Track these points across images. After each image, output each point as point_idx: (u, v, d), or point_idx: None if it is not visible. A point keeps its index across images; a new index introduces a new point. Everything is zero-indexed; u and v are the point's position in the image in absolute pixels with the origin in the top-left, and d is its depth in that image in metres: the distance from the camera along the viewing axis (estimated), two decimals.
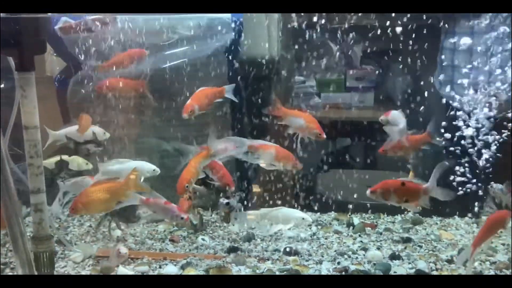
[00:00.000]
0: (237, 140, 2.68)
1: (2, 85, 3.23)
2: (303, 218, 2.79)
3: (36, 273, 2.34)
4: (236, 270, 2.65)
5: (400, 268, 2.66)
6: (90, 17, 3.17)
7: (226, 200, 2.72)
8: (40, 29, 2.21)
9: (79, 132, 3.00)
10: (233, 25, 3.53)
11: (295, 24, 3.40)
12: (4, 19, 2.16)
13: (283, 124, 2.80)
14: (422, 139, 2.83)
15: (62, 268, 2.71)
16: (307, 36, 3.32)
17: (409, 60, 3.40)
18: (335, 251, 2.87)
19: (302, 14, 3.26)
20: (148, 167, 2.86)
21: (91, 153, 3.10)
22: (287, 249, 2.84)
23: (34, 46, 2.22)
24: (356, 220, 3.29)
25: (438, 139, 2.83)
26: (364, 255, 2.83)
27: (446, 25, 3.19)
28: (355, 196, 3.37)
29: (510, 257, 2.75)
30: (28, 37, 2.19)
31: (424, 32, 3.06)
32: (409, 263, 2.73)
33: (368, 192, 2.47)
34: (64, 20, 3.30)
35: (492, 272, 2.61)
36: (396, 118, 2.84)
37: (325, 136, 2.72)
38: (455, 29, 3.13)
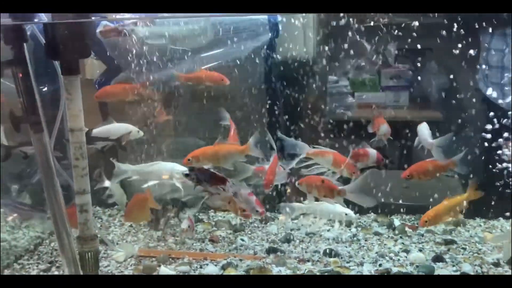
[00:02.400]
0: (299, 144, 2.73)
1: (46, 88, 3.31)
2: (346, 214, 2.76)
3: (81, 272, 2.40)
4: (276, 271, 2.64)
5: (444, 271, 2.60)
6: (129, 21, 3.22)
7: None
8: (85, 33, 2.25)
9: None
10: (269, 26, 3.53)
11: (329, 23, 3.37)
12: (50, 25, 2.21)
13: None
14: (446, 166, 2.74)
15: (106, 267, 2.77)
16: (341, 35, 3.29)
17: (445, 59, 3.32)
18: (376, 253, 2.83)
19: (337, 14, 3.23)
20: (178, 169, 2.86)
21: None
22: (327, 251, 2.82)
23: (79, 50, 2.26)
24: (396, 221, 3.24)
25: (460, 168, 2.75)
26: (406, 257, 2.78)
27: (488, 24, 3.11)
28: (394, 197, 3.32)
29: None
30: (74, 42, 2.23)
31: (462, 31, 2.98)
32: (453, 265, 2.67)
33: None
34: (104, 24, 3.36)
35: None
36: (424, 130, 2.79)
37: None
38: (499, 28, 3.05)
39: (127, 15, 2.90)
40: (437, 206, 2.77)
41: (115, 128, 2.93)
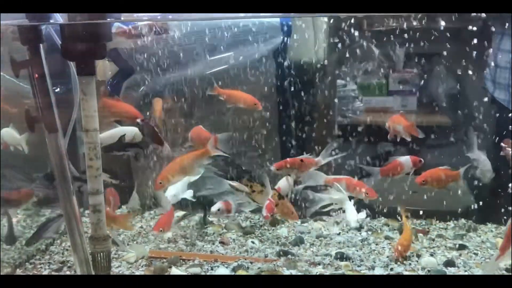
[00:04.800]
0: (315, 173, 2.75)
1: (58, 89, 3.33)
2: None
3: (93, 273, 2.41)
4: (287, 274, 2.64)
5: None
6: (142, 23, 3.25)
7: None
8: (101, 34, 2.26)
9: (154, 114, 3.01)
10: (281, 28, 3.55)
11: (338, 27, 3.38)
12: (67, 25, 2.23)
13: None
14: (453, 176, 2.72)
15: (117, 268, 2.77)
16: (349, 39, 3.30)
17: (453, 63, 3.32)
18: (387, 257, 2.82)
19: (345, 16, 3.25)
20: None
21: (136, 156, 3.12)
22: (338, 254, 2.81)
23: (95, 51, 2.28)
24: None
25: (463, 182, 2.74)
26: (417, 261, 2.77)
27: (496, 26, 3.11)
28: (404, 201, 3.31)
29: None
30: (90, 42, 2.25)
31: (469, 34, 2.98)
32: (465, 270, 2.66)
33: (272, 168, 2.68)
34: (117, 26, 3.39)
35: None
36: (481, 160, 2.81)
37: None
38: (508, 29, 3.05)
39: (141, 16, 2.91)
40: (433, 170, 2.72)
41: (121, 132, 2.93)
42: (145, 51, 3.32)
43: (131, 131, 2.89)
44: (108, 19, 2.38)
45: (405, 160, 2.70)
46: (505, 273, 2.58)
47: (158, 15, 2.85)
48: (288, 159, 2.73)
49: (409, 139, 2.78)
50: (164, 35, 3.23)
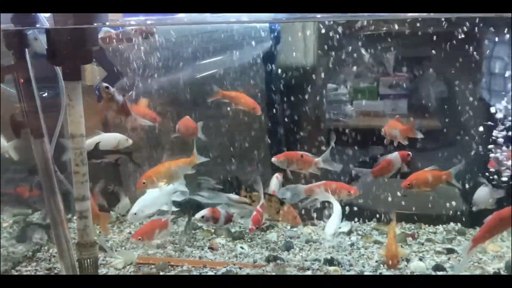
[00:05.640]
0: (292, 188, 2.78)
1: (46, 94, 3.30)
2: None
3: None
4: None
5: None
6: (131, 27, 3.23)
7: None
8: (87, 39, 2.25)
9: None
10: (269, 33, 3.55)
11: (328, 32, 3.39)
12: (53, 30, 2.21)
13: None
14: (443, 176, 2.72)
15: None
16: (339, 43, 3.30)
17: (443, 67, 3.34)
18: (377, 261, 2.82)
19: (336, 21, 3.25)
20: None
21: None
22: (327, 260, 2.80)
23: (81, 56, 2.26)
24: (396, 230, 3.22)
25: (455, 181, 2.73)
26: (406, 265, 2.77)
27: (487, 31, 3.13)
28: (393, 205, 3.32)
29: None
30: (76, 47, 2.23)
31: (459, 39, 3.00)
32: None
33: (273, 159, 2.69)
34: (105, 30, 3.36)
35: None
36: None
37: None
38: (500, 35, 3.07)
39: (128, 21, 2.89)
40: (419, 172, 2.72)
41: (105, 139, 2.91)
42: (133, 55, 3.30)
43: (114, 138, 2.88)
44: (95, 24, 2.36)
45: (394, 156, 2.70)
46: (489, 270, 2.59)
47: (146, 20, 2.84)
48: (289, 152, 2.74)
49: (406, 143, 2.77)
50: (152, 39, 3.21)
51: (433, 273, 2.68)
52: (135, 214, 2.84)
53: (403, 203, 3.25)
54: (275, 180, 3.04)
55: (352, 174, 2.92)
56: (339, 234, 2.88)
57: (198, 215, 2.77)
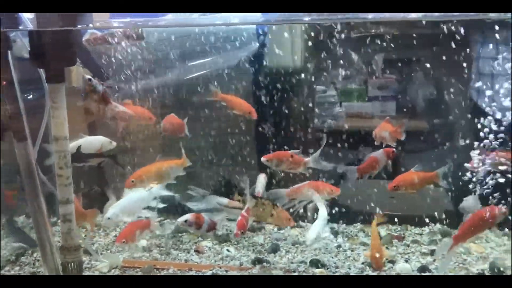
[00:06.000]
0: (274, 193, 2.79)
1: (31, 96, 3.28)
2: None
3: None
4: None
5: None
6: (116, 29, 3.21)
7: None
8: (70, 42, 2.23)
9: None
10: (257, 35, 3.55)
11: (317, 34, 3.40)
12: (35, 32, 2.19)
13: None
14: (430, 178, 2.72)
15: None
16: (328, 45, 3.31)
17: (432, 68, 3.36)
18: (363, 263, 2.82)
19: (324, 24, 3.26)
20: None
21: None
22: (313, 262, 2.81)
23: (64, 58, 2.25)
24: (382, 232, 3.24)
25: (444, 182, 2.74)
26: (392, 267, 2.78)
27: (476, 33, 3.16)
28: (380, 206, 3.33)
29: None
30: (59, 50, 2.21)
31: (448, 40, 3.02)
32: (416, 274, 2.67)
33: (263, 159, 2.68)
34: (90, 32, 3.35)
35: None
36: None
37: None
38: (486, 37, 3.09)
39: (114, 23, 2.88)
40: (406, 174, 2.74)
41: (88, 142, 2.90)
42: (119, 57, 3.29)
43: (98, 141, 2.86)
44: (79, 26, 2.35)
45: (379, 154, 2.73)
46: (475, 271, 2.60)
47: (132, 21, 2.82)
48: (279, 152, 2.74)
49: (394, 145, 2.78)
50: (138, 42, 3.20)
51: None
52: (109, 218, 2.80)
53: (391, 204, 3.27)
54: (262, 180, 3.03)
55: (341, 173, 2.95)
56: (321, 239, 2.87)
57: (181, 218, 2.75)
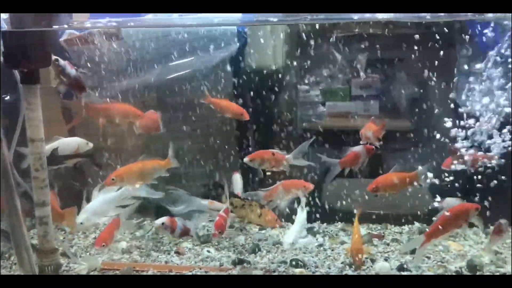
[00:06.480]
0: (252, 195, 2.84)
1: (8, 97, 3.23)
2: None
3: None
4: None
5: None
6: (95, 29, 3.19)
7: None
8: (45, 43, 2.21)
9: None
10: (237, 36, 3.54)
11: (300, 33, 3.40)
12: (9, 33, 2.16)
13: None
14: (410, 178, 2.75)
15: None
16: (311, 45, 3.32)
17: (414, 68, 3.39)
18: (342, 262, 2.84)
19: (306, 23, 3.27)
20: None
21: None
22: (293, 262, 2.81)
23: (39, 59, 2.22)
24: (363, 231, 3.26)
25: (423, 182, 2.77)
26: (371, 266, 2.79)
27: (457, 32, 3.19)
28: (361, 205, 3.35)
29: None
30: (33, 51, 2.19)
31: (429, 40, 3.05)
32: (418, 274, 2.69)
33: (246, 159, 2.72)
34: (69, 32, 3.31)
35: None
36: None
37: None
38: (467, 37, 3.13)
39: (90, 24, 2.85)
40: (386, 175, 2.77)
41: (65, 144, 2.88)
42: (97, 57, 3.27)
43: (74, 142, 2.84)
44: (55, 26, 2.33)
45: (360, 149, 2.79)
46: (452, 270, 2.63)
47: (111, 21, 2.80)
48: (260, 151, 2.77)
49: (377, 144, 2.83)
50: (117, 42, 3.18)
51: (398, 274, 2.71)
52: (81, 223, 2.78)
53: (373, 202, 3.29)
54: (239, 180, 3.04)
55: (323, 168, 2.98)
56: (298, 243, 2.89)
57: (159, 221, 2.73)
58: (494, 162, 2.84)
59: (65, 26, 2.40)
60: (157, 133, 2.91)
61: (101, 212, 2.80)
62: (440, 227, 2.40)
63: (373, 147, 2.81)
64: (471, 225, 3.27)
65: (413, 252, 2.73)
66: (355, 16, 2.40)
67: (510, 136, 2.84)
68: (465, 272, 2.68)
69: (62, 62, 2.43)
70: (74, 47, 3.28)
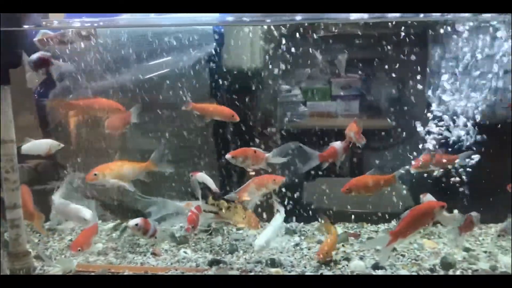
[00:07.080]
0: (229, 197, 2.82)
1: None
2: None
3: None
4: None
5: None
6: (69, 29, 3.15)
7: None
8: (14, 43, 2.18)
9: None
10: (215, 36, 3.54)
11: (280, 33, 3.41)
12: None
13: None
14: (387, 180, 2.78)
15: None
16: (292, 45, 3.34)
17: (394, 68, 3.43)
18: (318, 261, 2.85)
19: (287, 24, 3.29)
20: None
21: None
22: (269, 262, 2.82)
23: (8, 60, 2.19)
24: (339, 230, 3.28)
25: (401, 183, 2.82)
26: (347, 265, 2.82)
27: (434, 32, 3.23)
28: (337, 204, 3.39)
29: (492, 265, 2.77)
30: (3, 51, 2.15)
31: (409, 40, 3.09)
32: (392, 272, 2.73)
33: (228, 156, 2.71)
34: (42, 32, 3.27)
35: None
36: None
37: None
38: (443, 36, 3.17)
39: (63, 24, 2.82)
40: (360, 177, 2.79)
41: (36, 145, 2.84)
42: (73, 58, 3.23)
43: (46, 143, 2.81)
44: (26, 26, 2.30)
45: (338, 145, 2.82)
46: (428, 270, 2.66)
47: (86, 21, 2.78)
48: (243, 148, 2.77)
49: (359, 144, 2.84)
50: (93, 41, 3.15)
51: (373, 272, 2.73)
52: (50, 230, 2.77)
53: (349, 201, 3.32)
54: (207, 177, 3.03)
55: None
56: (270, 246, 2.90)
57: (132, 222, 2.70)
58: (457, 162, 2.90)
59: (33, 26, 2.36)
60: (123, 131, 2.90)
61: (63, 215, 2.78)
62: (405, 226, 2.41)
63: (349, 145, 2.83)
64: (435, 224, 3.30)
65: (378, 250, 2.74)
66: (352, 17, 2.42)
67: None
68: (439, 270, 2.72)
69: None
70: (47, 47, 3.25)
